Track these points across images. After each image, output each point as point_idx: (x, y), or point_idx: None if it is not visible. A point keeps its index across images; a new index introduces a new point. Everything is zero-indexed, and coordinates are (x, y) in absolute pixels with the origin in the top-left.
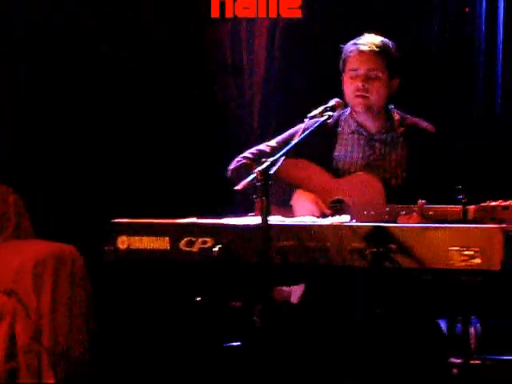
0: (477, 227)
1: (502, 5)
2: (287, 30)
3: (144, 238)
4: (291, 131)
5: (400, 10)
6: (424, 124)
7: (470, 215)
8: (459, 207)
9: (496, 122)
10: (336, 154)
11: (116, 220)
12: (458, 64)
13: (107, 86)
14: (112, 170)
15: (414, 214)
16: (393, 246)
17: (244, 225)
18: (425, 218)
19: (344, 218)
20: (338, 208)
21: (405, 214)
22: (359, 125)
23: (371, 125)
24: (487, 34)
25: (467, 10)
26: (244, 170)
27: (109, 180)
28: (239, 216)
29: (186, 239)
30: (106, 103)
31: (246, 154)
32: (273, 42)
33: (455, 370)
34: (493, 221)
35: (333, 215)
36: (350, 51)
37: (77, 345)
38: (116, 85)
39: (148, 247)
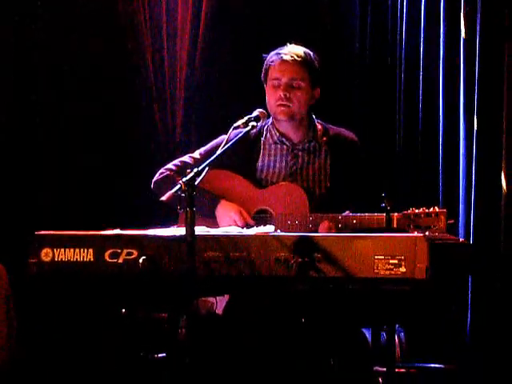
0: (401, 236)
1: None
2: (209, 38)
3: (68, 250)
4: (214, 142)
5: (322, 20)
6: (346, 133)
7: (395, 223)
8: (383, 215)
9: (417, 130)
10: (260, 163)
11: (40, 232)
12: (380, 74)
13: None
14: (35, 181)
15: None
16: (318, 256)
17: (169, 236)
18: (341, 228)
19: (268, 228)
20: (262, 218)
21: (324, 223)
22: (282, 134)
23: (294, 134)
24: (409, 42)
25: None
26: (168, 181)
27: (32, 192)
28: (164, 227)
29: (110, 251)
30: (27, 113)
31: (170, 165)
32: (195, 49)
33: (380, 379)
34: (417, 228)
35: (257, 225)
36: (272, 61)
37: None
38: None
39: (72, 259)
